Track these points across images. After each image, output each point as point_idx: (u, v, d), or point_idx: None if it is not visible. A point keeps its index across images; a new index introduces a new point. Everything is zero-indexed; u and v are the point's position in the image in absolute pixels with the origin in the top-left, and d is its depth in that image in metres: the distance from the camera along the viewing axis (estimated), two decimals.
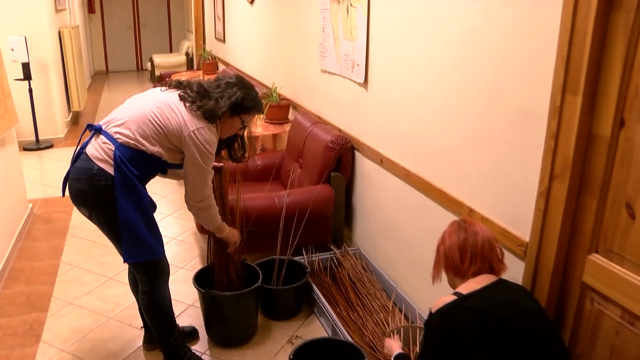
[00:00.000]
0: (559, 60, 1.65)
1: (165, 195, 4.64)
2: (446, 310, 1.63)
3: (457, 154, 2.25)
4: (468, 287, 1.69)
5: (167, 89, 2.25)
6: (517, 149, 1.90)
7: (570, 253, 1.77)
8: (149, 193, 2.24)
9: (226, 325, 2.61)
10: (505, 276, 1.77)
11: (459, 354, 1.59)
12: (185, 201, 2.30)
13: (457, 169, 2.26)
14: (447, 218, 2.37)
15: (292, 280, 2.88)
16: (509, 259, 1.90)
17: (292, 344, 2.65)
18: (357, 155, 3.27)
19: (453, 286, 1.83)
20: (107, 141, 2.11)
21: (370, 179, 3.14)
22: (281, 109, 4.14)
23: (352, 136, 3.28)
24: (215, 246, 2.57)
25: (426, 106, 2.45)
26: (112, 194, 2.09)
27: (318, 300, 2.80)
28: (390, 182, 2.88)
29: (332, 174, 3.25)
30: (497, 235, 1.90)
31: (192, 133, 2.11)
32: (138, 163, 2.13)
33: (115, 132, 2.12)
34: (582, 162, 1.67)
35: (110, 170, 2.08)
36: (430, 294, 2.58)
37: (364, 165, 3.20)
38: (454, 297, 1.65)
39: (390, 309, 2.78)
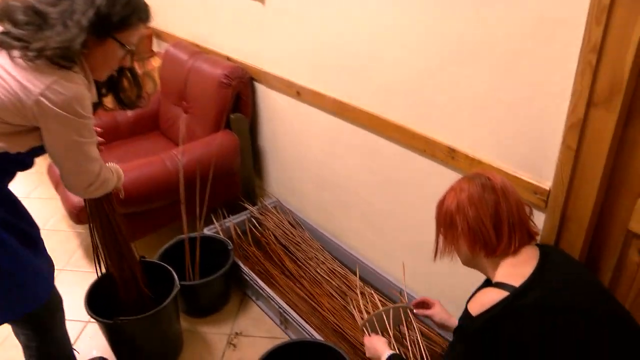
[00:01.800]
0: None
1: None
2: (498, 313, 1.16)
3: (427, 73, 1.72)
4: (512, 272, 1.23)
5: None
6: (530, 64, 1.41)
7: (612, 199, 1.38)
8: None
9: (143, 350, 1.96)
10: None
11: None
12: (69, 190, 1.54)
13: (426, 95, 1.74)
14: (411, 160, 1.88)
15: (211, 260, 2.25)
16: None
17: (235, 346, 2.10)
18: (260, 88, 2.60)
19: (476, 267, 1.37)
20: None
21: (283, 117, 2.52)
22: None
23: (248, 65, 2.57)
24: (106, 237, 1.81)
25: (370, 12, 1.85)
26: None
27: (252, 282, 2.23)
28: (315, 119, 2.29)
29: (232, 115, 2.56)
30: None
31: (40, 98, 1.28)
32: None
33: None
34: (635, 81, 1.23)
35: None
36: (388, 249, 2.15)
37: (271, 101, 2.56)
38: (505, 293, 1.18)
39: (341, 273, 2.31)
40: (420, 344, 1.71)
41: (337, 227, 2.45)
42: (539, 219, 1.51)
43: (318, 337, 1.91)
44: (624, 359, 1.17)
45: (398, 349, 1.66)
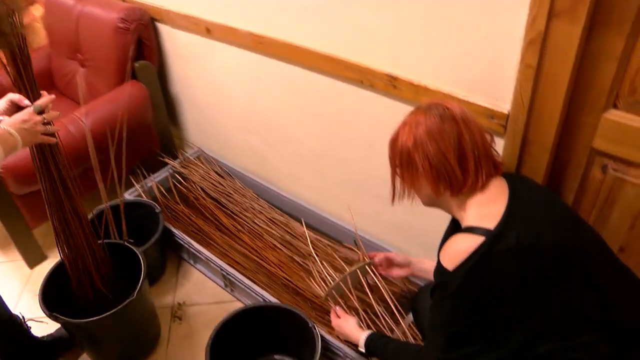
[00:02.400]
0: None
1: None
2: (477, 262, 1.05)
3: None
4: (483, 212, 1.11)
5: None
6: None
7: (574, 117, 1.28)
8: None
9: (113, 350, 1.75)
10: None
11: (509, 318, 1.08)
12: None
13: (358, 19, 1.53)
14: (347, 93, 1.69)
15: (139, 228, 2.00)
16: None
17: (180, 319, 1.91)
18: (164, 29, 2.26)
19: (440, 207, 1.25)
20: None
21: (194, 58, 2.22)
22: None
23: (147, 5, 2.22)
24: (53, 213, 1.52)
25: None
26: None
27: (187, 246, 2.02)
28: (231, 57, 2.02)
29: (136, 64, 2.22)
30: None
31: None
32: None
33: None
34: None
35: None
36: (330, 190, 2.01)
37: (178, 42, 2.24)
38: (480, 238, 1.06)
39: (282, 220, 2.15)
40: (386, 294, 1.60)
41: (271, 172, 2.26)
42: (497, 146, 1.37)
43: (268, 296, 1.77)
44: (607, 285, 1.11)
45: (365, 310, 1.56)
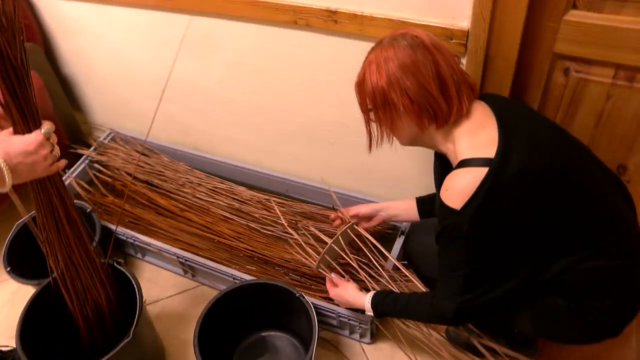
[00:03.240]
0: None
1: None
2: (487, 196, 0.99)
3: None
4: (476, 141, 1.05)
5: None
6: None
7: (534, 24, 1.23)
8: None
9: None
10: None
11: (523, 246, 1.04)
12: None
13: None
14: (280, 38, 1.54)
15: None
16: None
17: None
18: (40, 3, 1.93)
19: (422, 144, 1.17)
20: None
21: (85, 31, 1.93)
22: None
23: None
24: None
25: None
26: None
27: (130, 240, 1.82)
28: (131, 22, 1.77)
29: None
30: None
31: None
32: None
33: None
34: None
35: None
36: (271, 147, 1.90)
37: (61, 15, 1.93)
38: (483, 170, 1.00)
39: (226, 188, 1.99)
40: (373, 247, 1.52)
41: (201, 139, 2.07)
42: None
43: (234, 272, 1.64)
44: (603, 192, 1.11)
45: (361, 267, 1.47)
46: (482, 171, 0.99)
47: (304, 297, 1.44)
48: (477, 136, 1.06)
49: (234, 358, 1.56)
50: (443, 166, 1.19)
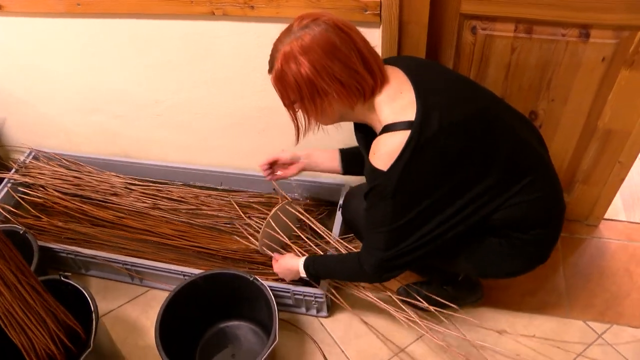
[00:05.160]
0: None
1: None
2: (412, 156, 1.05)
3: None
4: (397, 106, 1.10)
5: None
6: None
7: None
8: None
9: None
10: None
11: (448, 197, 1.12)
12: None
13: None
14: (198, 31, 1.55)
15: None
16: None
17: None
18: None
19: (346, 120, 1.21)
20: None
21: None
22: None
23: None
24: None
25: None
26: None
27: (71, 256, 1.76)
28: (45, 32, 1.71)
29: None
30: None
31: None
32: None
33: None
34: None
35: None
36: (200, 142, 1.92)
37: None
38: (406, 132, 1.06)
39: (159, 188, 1.97)
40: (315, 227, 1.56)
41: (131, 146, 2.03)
42: (375, 36, 1.38)
43: (182, 269, 1.64)
44: (520, 132, 1.20)
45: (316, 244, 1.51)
46: (406, 133, 1.05)
47: (257, 280, 1.46)
48: (396, 101, 1.11)
49: (196, 354, 1.56)
50: (367, 135, 1.24)
